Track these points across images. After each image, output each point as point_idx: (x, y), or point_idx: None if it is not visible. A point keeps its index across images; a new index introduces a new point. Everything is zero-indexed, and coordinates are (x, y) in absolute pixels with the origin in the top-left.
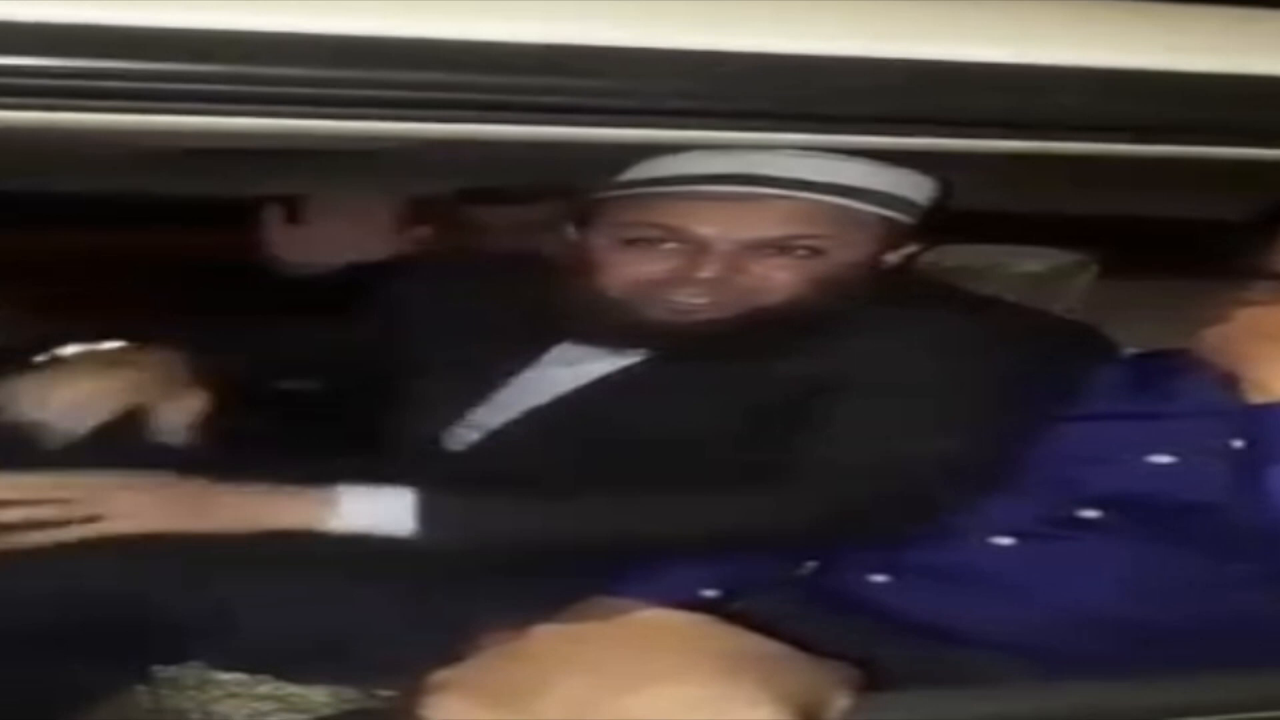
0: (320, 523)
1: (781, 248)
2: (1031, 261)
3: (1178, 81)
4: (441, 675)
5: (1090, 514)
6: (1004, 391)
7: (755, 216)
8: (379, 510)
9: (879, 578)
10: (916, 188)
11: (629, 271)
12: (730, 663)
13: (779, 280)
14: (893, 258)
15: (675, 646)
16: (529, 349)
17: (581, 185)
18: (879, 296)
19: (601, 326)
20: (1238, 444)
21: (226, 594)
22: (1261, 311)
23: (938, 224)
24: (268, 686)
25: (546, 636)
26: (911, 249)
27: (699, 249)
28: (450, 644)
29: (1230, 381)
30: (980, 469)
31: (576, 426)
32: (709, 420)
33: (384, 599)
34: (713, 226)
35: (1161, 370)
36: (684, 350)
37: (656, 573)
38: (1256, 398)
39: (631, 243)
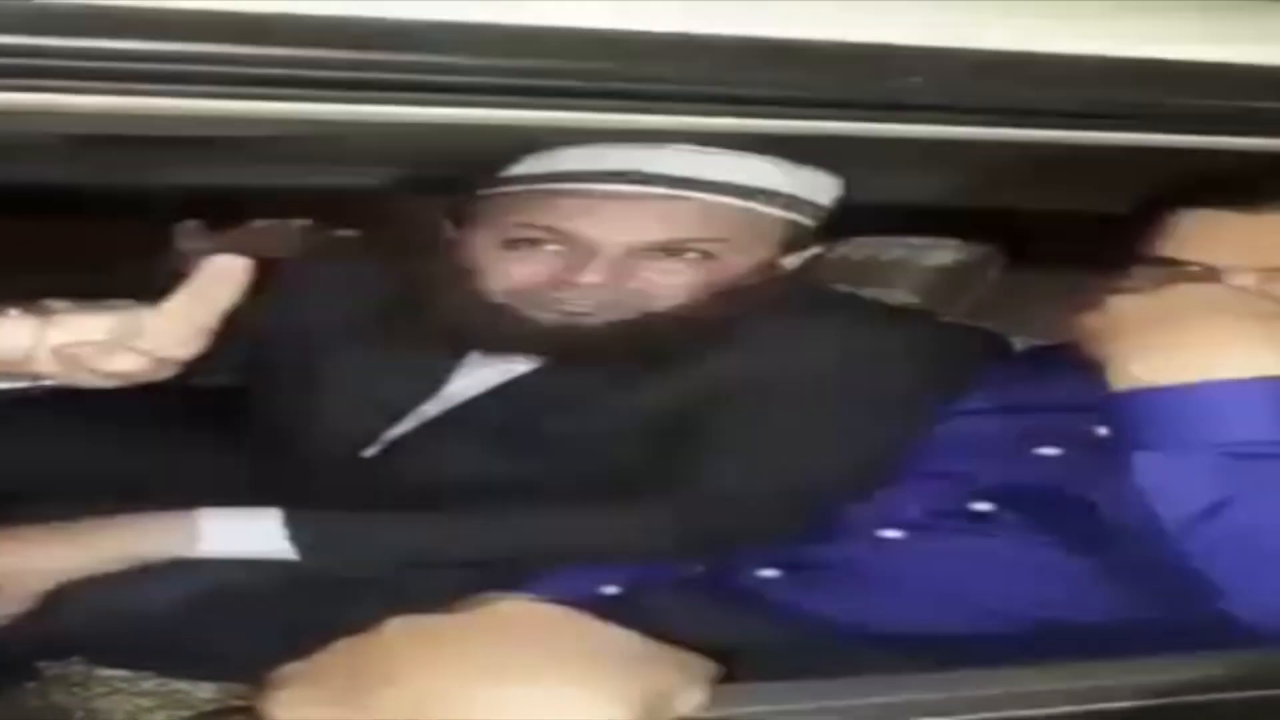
0: (185, 551)
1: (671, 251)
2: (939, 254)
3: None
4: (284, 671)
5: (981, 507)
6: (896, 397)
7: (644, 218)
8: (246, 534)
9: (770, 572)
10: (820, 189)
11: (510, 273)
12: (584, 656)
13: (669, 285)
14: (792, 261)
15: (528, 640)
16: (438, 356)
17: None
18: (772, 301)
19: (484, 332)
20: (1101, 432)
21: (104, 591)
22: (1126, 299)
23: (842, 221)
24: (151, 683)
25: (394, 630)
26: (813, 251)
27: (585, 252)
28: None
29: (1099, 369)
30: (870, 472)
31: (465, 437)
32: (596, 429)
33: (268, 595)
34: (599, 228)
35: (1051, 362)
36: (570, 357)
37: (557, 570)
38: (1118, 384)
39: (513, 244)
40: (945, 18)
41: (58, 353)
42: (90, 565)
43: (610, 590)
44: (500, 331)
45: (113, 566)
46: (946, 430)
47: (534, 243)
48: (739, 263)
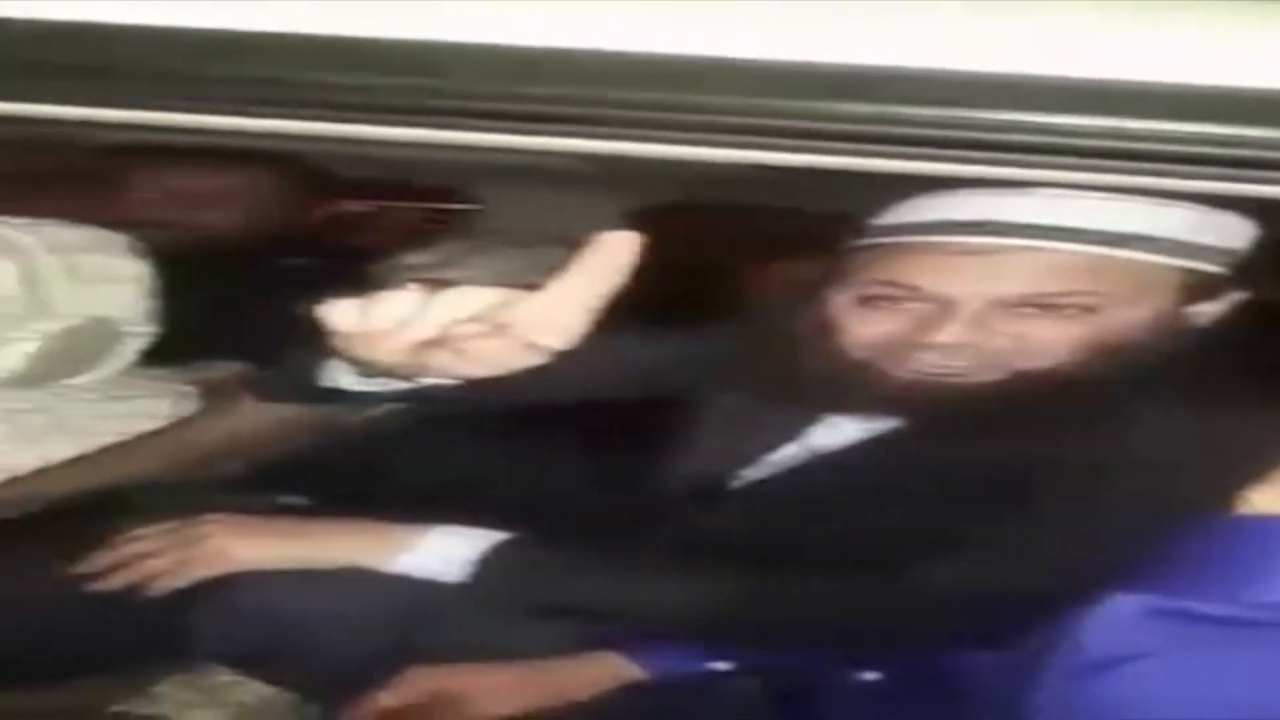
0: (375, 564)
1: (1043, 305)
2: None
3: None
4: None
5: None
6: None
7: (1002, 271)
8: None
9: (870, 675)
10: (1228, 232)
11: (866, 331)
12: None
13: (1042, 341)
14: (1206, 310)
15: None
16: (796, 413)
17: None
18: (1175, 359)
19: (840, 392)
20: None
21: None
22: None
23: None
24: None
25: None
26: (1232, 298)
27: (941, 309)
28: None
29: None
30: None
31: (805, 491)
32: (948, 497)
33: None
34: (953, 283)
35: None
36: (929, 418)
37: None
38: None
39: (869, 300)
40: None
41: (434, 327)
42: (296, 560)
43: (721, 666)
44: (861, 390)
45: (315, 565)
46: None
47: (891, 299)
48: (1129, 316)
